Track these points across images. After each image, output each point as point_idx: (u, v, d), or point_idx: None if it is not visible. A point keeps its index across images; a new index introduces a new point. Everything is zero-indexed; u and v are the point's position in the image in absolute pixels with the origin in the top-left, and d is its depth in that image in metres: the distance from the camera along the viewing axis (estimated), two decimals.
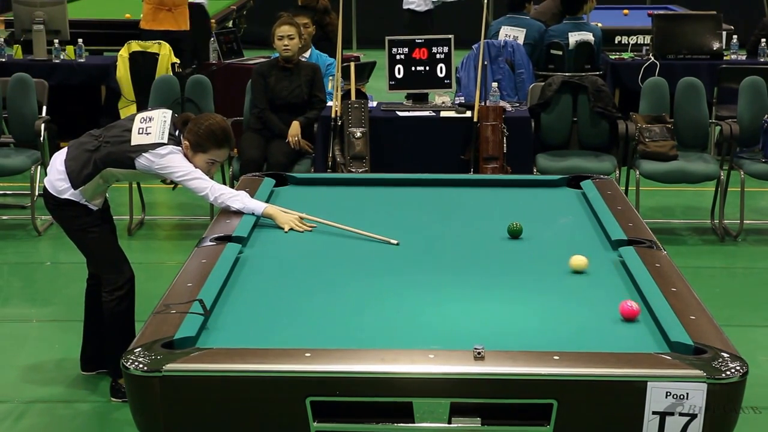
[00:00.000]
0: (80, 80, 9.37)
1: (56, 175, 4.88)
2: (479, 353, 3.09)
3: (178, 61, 9.23)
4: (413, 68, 7.74)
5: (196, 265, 3.91)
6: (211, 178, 4.75)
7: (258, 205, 4.60)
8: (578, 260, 4.00)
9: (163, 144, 4.68)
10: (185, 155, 4.73)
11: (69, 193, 4.85)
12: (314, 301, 3.70)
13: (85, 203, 4.89)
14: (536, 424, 3.08)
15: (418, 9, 11.35)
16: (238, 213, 4.55)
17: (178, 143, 4.73)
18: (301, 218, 4.55)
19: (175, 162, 4.68)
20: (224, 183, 7.66)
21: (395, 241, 4.30)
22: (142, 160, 4.71)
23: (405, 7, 11.55)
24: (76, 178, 4.83)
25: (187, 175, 4.67)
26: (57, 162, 4.92)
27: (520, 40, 8.95)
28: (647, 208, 7.86)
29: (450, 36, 7.87)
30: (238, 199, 4.62)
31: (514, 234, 4.37)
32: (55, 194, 4.88)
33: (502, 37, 8.97)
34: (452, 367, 3.10)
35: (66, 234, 5.03)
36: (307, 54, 8.13)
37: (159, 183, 8.01)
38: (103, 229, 5.01)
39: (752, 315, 6.21)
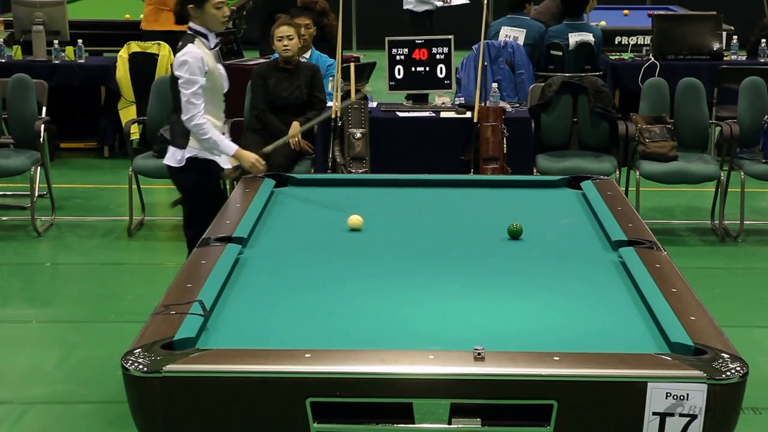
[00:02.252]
0: (80, 81, 9.38)
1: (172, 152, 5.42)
2: (479, 354, 3.09)
3: None
4: (413, 69, 7.74)
5: (196, 266, 3.91)
6: (224, 19, 5.26)
7: (229, 147, 5.21)
8: (354, 220, 4.39)
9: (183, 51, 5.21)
10: (193, 29, 5.29)
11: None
12: (314, 301, 3.70)
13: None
14: (536, 425, 3.08)
15: (415, 9, 11.34)
16: (238, 213, 4.56)
17: (194, 36, 5.27)
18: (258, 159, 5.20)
19: (187, 73, 5.19)
20: (224, 184, 7.65)
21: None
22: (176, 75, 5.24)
23: (405, 7, 11.56)
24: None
25: (188, 92, 5.18)
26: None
27: (521, 41, 8.94)
28: (647, 209, 7.86)
29: (450, 36, 7.87)
30: (212, 136, 5.21)
31: (514, 235, 4.37)
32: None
33: (502, 37, 8.97)
34: (452, 368, 3.09)
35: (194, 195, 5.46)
36: (307, 55, 8.13)
37: (159, 183, 8.03)
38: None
39: (752, 315, 6.21)
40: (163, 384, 3.06)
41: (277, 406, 3.11)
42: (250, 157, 5.34)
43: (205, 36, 5.34)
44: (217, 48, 5.43)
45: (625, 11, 11.78)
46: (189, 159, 5.39)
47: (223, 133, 5.52)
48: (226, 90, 5.53)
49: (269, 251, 4.24)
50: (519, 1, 9.27)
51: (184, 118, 5.24)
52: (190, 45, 5.28)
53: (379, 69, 8.43)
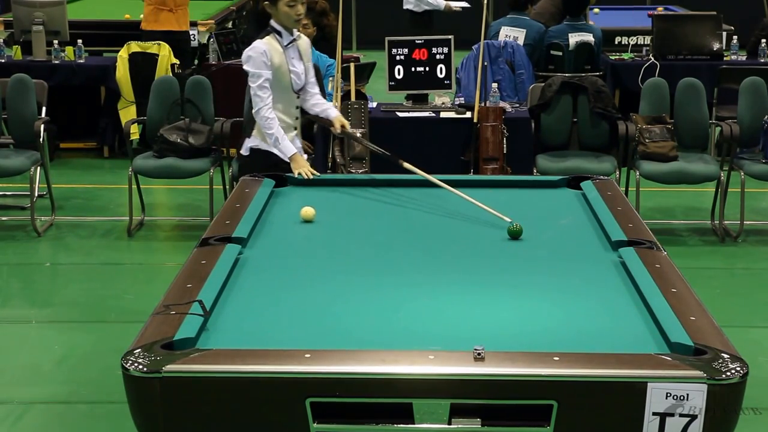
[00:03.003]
0: (80, 81, 9.38)
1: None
2: (479, 354, 3.09)
3: (178, 62, 9.23)
4: (413, 69, 7.74)
5: (196, 266, 3.91)
6: (298, 18, 5.36)
7: (288, 149, 5.27)
8: (306, 211, 4.50)
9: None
10: (270, 26, 5.43)
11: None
12: (314, 301, 3.70)
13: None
14: (536, 425, 3.08)
15: (415, 9, 11.33)
16: (238, 213, 4.56)
17: (269, 32, 5.44)
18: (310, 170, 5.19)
19: (252, 67, 5.37)
20: (224, 183, 7.68)
21: (508, 219, 4.49)
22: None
23: (405, 7, 11.54)
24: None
25: (254, 85, 5.40)
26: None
27: (520, 41, 8.94)
28: (647, 209, 7.86)
29: (450, 36, 7.87)
30: (275, 133, 5.33)
31: (515, 235, 4.37)
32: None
33: (502, 37, 8.97)
34: (452, 368, 3.09)
35: None
36: None
37: (159, 183, 8.03)
38: None
39: (752, 315, 6.21)
40: (163, 384, 3.05)
41: (277, 406, 3.10)
42: (303, 165, 5.34)
43: (279, 33, 5.48)
44: (294, 44, 5.53)
45: (596, 9, 11.66)
46: (252, 149, 5.66)
47: (295, 128, 5.68)
48: (298, 88, 5.61)
49: (269, 251, 4.24)
50: (522, 1, 9.27)
51: (253, 110, 5.50)
52: (258, 40, 5.48)
53: (379, 69, 8.43)
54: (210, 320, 3.46)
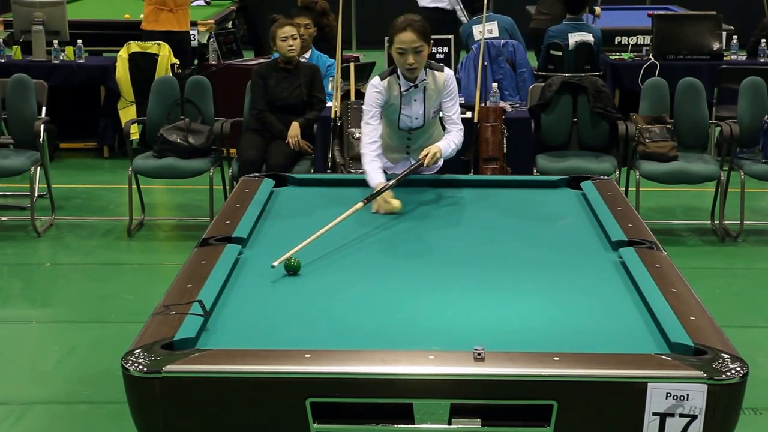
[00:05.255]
0: (80, 81, 9.39)
1: None
2: (479, 354, 3.09)
3: (178, 62, 9.24)
4: None
5: (196, 266, 3.91)
6: (409, 67, 5.13)
7: (372, 180, 5.00)
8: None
9: None
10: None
11: None
12: (314, 302, 3.70)
13: None
14: (536, 425, 3.08)
15: (446, 7, 10.93)
16: (238, 213, 4.56)
17: (393, 70, 5.31)
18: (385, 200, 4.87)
19: (365, 104, 5.33)
20: (224, 183, 7.69)
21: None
22: None
23: (430, 4, 11.07)
24: None
25: (363, 119, 5.31)
26: None
27: (495, 33, 8.91)
28: (647, 209, 7.86)
29: (450, 36, 7.87)
30: (367, 162, 5.13)
31: (291, 270, 3.96)
32: None
33: (477, 36, 8.93)
34: (452, 368, 3.09)
35: None
36: (307, 55, 8.14)
37: (159, 183, 8.03)
38: None
39: (752, 315, 6.21)
40: (163, 384, 3.05)
41: (277, 407, 3.10)
42: (379, 202, 4.96)
43: (398, 76, 5.28)
44: (417, 88, 5.28)
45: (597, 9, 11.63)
46: None
47: (407, 153, 5.48)
48: (407, 128, 5.41)
49: (269, 251, 4.23)
50: (479, 7, 9.22)
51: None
52: (378, 77, 5.35)
53: (378, 69, 8.43)
54: (210, 320, 3.46)
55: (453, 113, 5.36)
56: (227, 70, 9.44)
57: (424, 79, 5.26)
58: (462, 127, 5.40)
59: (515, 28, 9.29)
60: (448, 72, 5.38)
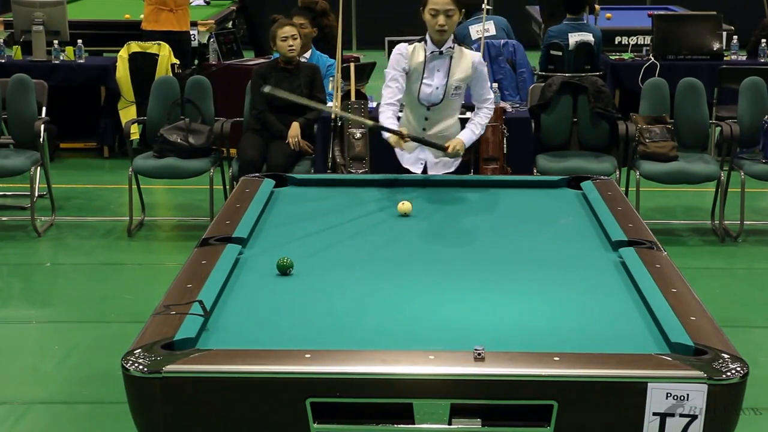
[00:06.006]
0: (80, 81, 9.38)
1: None
2: (479, 354, 3.09)
3: (178, 62, 9.24)
4: None
5: (196, 266, 3.91)
6: (440, 28, 5.28)
7: (387, 132, 5.22)
8: (404, 206, 4.60)
9: None
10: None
11: None
12: (314, 302, 3.70)
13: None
14: (536, 426, 3.08)
15: None
16: (239, 213, 4.56)
17: (423, 38, 5.44)
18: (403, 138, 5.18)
19: (387, 68, 5.44)
20: (224, 184, 7.69)
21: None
22: None
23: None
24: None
25: (384, 83, 5.43)
26: None
27: (492, 31, 8.91)
28: (647, 209, 7.86)
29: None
30: (383, 119, 5.31)
31: (283, 269, 3.94)
32: None
33: (474, 35, 8.93)
34: (452, 368, 3.09)
35: None
36: (307, 55, 8.14)
37: (159, 183, 8.03)
38: None
39: (752, 315, 6.21)
40: (163, 384, 3.06)
41: (277, 407, 3.10)
42: (396, 141, 5.32)
43: (426, 41, 5.43)
44: (442, 57, 5.40)
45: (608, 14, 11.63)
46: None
47: (426, 141, 5.52)
48: (428, 103, 5.49)
49: (269, 251, 4.23)
50: (474, 9, 9.21)
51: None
52: (405, 43, 5.48)
53: (379, 69, 8.43)
54: (210, 320, 3.46)
55: (484, 91, 5.59)
56: (227, 70, 9.44)
57: (451, 48, 5.40)
58: (492, 98, 5.64)
59: (510, 28, 9.28)
60: (479, 56, 5.57)
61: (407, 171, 5.62)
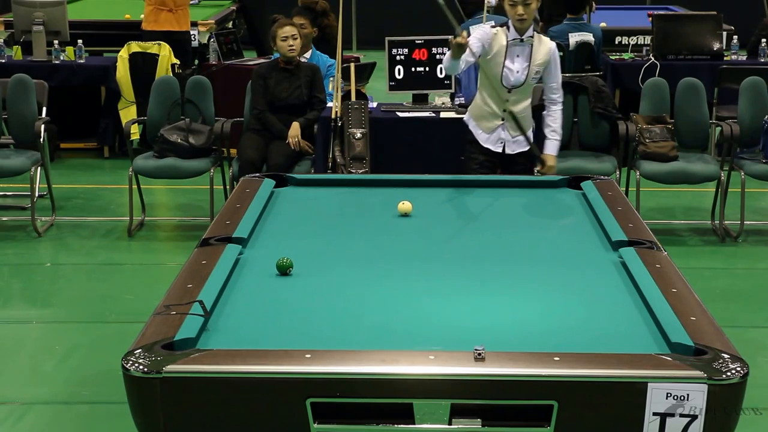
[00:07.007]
0: (80, 81, 9.38)
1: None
2: (479, 354, 3.09)
3: (178, 62, 9.24)
4: (413, 69, 7.73)
5: (197, 266, 3.91)
6: (519, 17, 5.59)
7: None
8: (404, 206, 4.60)
9: None
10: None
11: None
12: (314, 302, 3.70)
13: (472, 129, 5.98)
14: (537, 426, 3.08)
15: None
16: (239, 213, 4.56)
17: (505, 23, 5.78)
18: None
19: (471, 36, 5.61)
20: (224, 184, 7.69)
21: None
22: None
23: None
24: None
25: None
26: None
27: None
28: (648, 209, 7.86)
29: (450, 36, 7.85)
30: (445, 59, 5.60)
31: (282, 269, 3.94)
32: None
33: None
34: (453, 368, 3.09)
35: None
36: (307, 55, 8.14)
37: (159, 183, 8.03)
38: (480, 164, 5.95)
39: (753, 315, 6.21)
40: (163, 384, 3.06)
41: (277, 407, 3.11)
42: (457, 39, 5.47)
43: (509, 27, 5.73)
44: (523, 44, 5.72)
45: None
46: (466, 125, 6.05)
47: (502, 120, 5.85)
48: (510, 85, 5.80)
49: (269, 251, 4.24)
50: (474, 9, 9.20)
51: None
52: (489, 25, 5.79)
53: (379, 69, 8.43)
54: (210, 320, 3.46)
55: (556, 80, 5.92)
56: (227, 70, 9.44)
57: (531, 37, 5.71)
58: (561, 94, 5.98)
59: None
60: (554, 44, 5.89)
61: (488, 150, 5.91)
